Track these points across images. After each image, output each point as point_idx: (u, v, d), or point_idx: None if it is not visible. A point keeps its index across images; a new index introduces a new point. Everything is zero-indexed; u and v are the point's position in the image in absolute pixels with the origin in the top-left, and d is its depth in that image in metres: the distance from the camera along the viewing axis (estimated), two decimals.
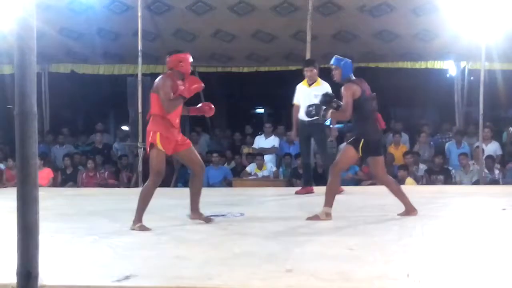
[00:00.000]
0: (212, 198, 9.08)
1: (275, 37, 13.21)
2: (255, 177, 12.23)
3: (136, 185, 11.71)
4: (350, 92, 6.71)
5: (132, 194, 10.33)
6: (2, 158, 13.53)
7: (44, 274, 3.27)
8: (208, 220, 6.59)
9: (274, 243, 5.31)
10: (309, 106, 7.06)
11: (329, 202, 6.68)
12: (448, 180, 11.77)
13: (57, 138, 14.90)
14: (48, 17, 11.36)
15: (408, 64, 14.62)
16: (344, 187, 9.12)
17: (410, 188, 10.65)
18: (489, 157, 11.95)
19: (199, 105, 6.88)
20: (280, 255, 4.76)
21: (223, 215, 7.17)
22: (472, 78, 14.39)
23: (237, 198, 8.97)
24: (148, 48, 12.41)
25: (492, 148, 12.55)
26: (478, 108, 11.62)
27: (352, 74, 6.94)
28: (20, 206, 3.05)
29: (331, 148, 13.43)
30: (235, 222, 6.70)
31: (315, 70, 9.50)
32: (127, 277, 4.02)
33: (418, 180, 11.67)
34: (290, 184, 11.99)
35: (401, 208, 6.86)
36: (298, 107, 9.51)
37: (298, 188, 9.80)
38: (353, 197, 8.70)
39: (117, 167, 13.54)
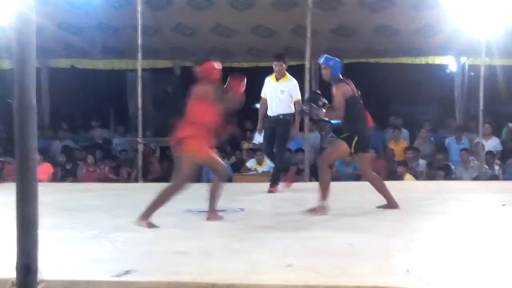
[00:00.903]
0: None
1: (275, 32, 13.19)
2: (255, 172, 12.21)
3: (136, 180, 11.69)
4: (341, 92, 6.79)
5: (132, 189, 10.39)
6: (2, 153, 13.52)
7: (44, 269, 3.26)
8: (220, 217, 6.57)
9: (274, 238, 5.32)
10: (305, 104, 7.06)
11: (323, 196, 6.74)
12: (448, 176, 11.76)
13: (57, 133, 14.90)
14: (47, 11, 11.32)
15: (408, 60, 14.63)
16: (344, 183, 9.11)
17: (409, 184, 10.69)
18: (489, 152, 11.94)
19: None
20: (280, 250, 4.76)
21: (223, 210, 7.15)
22: (472, 73, 14.39)
23: (237, 194, 8.95)
24: (148, 43, 12.39)
25: (492, 143, 12.54)
26: (478, 103, 11.61)
27: (340, 74, 6.98)
28: (20, 200, 3.04)
29: (329, 142, 13.47)
30: (235, 217, 6.70)
31: (284, 65, 9.34)
32: (126, 272, 4.02)
33: (418, 176, 11.66)
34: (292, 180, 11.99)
35: (401, 203, 6.88)
36: (265, 101, 9.40)
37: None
38: (352, 192, 8.69)
39: (117, 162, 13.54)
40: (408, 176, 11.30)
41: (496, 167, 11.96)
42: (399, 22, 12.48)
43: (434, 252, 4.64)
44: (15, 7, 3.11)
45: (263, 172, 12.22)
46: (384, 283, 3.74)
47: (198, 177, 12.81)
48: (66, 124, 15.48)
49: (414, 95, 17.07)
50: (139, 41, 11.57)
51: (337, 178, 10.34)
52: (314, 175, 9.95)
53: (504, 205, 7.39)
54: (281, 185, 9.32)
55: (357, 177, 11.74)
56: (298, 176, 11.58)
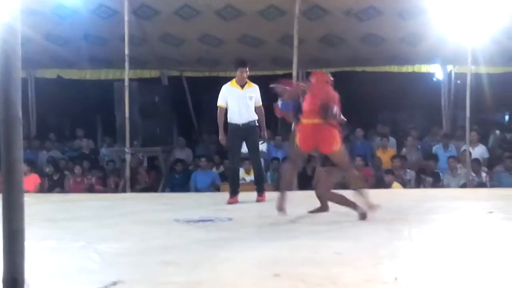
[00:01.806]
0: (200, 203, 9.09)
1: (262, 41, 13.22)
2: (243, 181, 12.19)
3: (123, 190, 11.66)
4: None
5: (120, 200, 10.36)
6: None
7: (31, 281, 3.25)
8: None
9: (262, 248, 5.31)
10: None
11: (353, 205, 6.91)
12: (436, 183, 11.81)
13: (44, 144, 14.85)
14: (34, 22, 11.31)
15: (395, 68, 14.69)
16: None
17: (397, 192, 10.72)
18: (475, 160, 11.99)
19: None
20: (268, 260, 4.75)
21: (211, 220, 7.15)
22: (458, 81, 14.47)
23: (225, 203, 8.95)
24: (135, 53, 12.39)
25: (479, 151, 12.61)
26: (465, 111, 11.67)
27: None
28: (5, 212, 3.03)
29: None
30: (223, 227, 6.69)
31: (247, 72, 9.32)
32: (114, 283, 3.99)
33: (405, 184, 11.70)
34: (277, 188, 11.98)
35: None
36: (223, 110, 9.22)
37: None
38: None
39: (104, 172, 13.50)
40: (395, 184, 11.33)
41: (483, 175, 12.01)
42: (385, 30, 12.53)
43: (422, 260, 4.65)
44: (1, 17, 3.10)
45: (251, 181, 12.20)
46: None
47: (186, 187, 12.86)
48: (53, 135, 15.44)
49: (401, 103, 17.16)
50: (126, 51, 11.56)
51: None
52: (302, 183, 9.93)
53: (491, 212, 7.42)
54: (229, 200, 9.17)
55: (344, 186, 11.75)
56: None
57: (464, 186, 11.52)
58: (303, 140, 6.86)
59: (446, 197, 9.43)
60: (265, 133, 9.72)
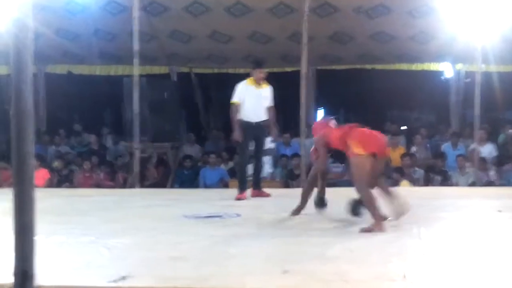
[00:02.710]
0: (209, 199, 9.09)
1: (272, 38, 13.22)
2: (251, 178, 12.21)
3: (132, 186, 11.68)
4: None
5: (129, 195, 10.38)
6: None
7: (41, 275, 3.26)
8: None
9: (271, 244, 5.32)
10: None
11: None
12: (445, 181, 11.78)
13: (53, 139, 14.89)
14: (45, 17, 11.35)
15: (404, 66, 14.67)
16: (341, 188, 9.10)
17: (406, 190, 10.68)
18: (482, 159, 11.96)
19: None
20: (277, 256, 4.76)
21: (219, 216, 7.16)
22: (468, 80, 14.43)
23: (233, 199, 8.96)
24: (144, 49, 12.40)
25: (487, 149, 12.58)
26: (474, 110, 11.64)
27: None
28: (17, 206, 3.05)
29: None
30: (232, 223, 6.69)
31: (265, 72, 9.37)
32: (123, 278, 4.01)
33: (414, 182, 11.67)
34: (286, 185, 12.00)
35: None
36: (238, 107, 9.20)
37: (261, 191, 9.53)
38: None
39: (113, 168, 13.52)
40: (404, 182, 11.30)
41: (492, 173, 11.97)
42: (395, 28, 12.52)
43: (431, 258, 4.64)
44: (13, 13, 3.12)
45: (261, 177, 12.22)
46: None
47: (194, 183, 12.88)
48: (63, 130, 15.47)
49: (410, 101, 17.13)
50: (136, 47, 11.58)
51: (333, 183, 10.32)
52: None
53: (500, 211, 7.40)
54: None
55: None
56: (294, 181, 11.62)
57: (473, 184, 11.49)
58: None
59: (455, 196, 9.40)
60: (277, 132, 9.81)
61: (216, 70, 15.55)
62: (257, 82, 9.27)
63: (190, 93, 15.58)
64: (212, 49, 13.95)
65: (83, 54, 14.29)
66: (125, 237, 5.73)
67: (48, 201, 8.52)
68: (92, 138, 14.93)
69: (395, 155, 12.56)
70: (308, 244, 5.27)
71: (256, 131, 9.27)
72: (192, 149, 14.39)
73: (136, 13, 11.49)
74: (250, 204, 8.50)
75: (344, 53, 13.77)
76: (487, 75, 13.17)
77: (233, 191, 9.50)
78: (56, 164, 13.48)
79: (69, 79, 15.82)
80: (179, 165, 13.40)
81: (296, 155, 12.36)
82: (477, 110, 11.53)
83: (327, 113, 14.27)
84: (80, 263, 4.57)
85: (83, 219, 7.12)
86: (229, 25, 12.73)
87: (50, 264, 4.32)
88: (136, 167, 11.54)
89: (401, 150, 12.91)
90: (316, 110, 15.48)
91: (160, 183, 12.78)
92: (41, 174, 12.13)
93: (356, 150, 6.14)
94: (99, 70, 15.38)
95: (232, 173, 12.95)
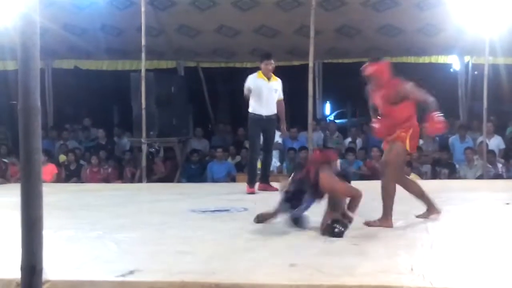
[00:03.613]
0: (216, 193, 9.11)
1: (279, 32, 13.20)
2: (258, 172, 12.21)
3: (140, 180, 11.71)
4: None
5: (136, 190, 10.41)
6: (6, 154, 13.54)
7: (49, 269, 3.27)
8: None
9: (278, 238, 5.32)
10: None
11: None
12: (452, 174, 11.76)
13: (61, 134, 14.92)
14: (52, 13, 11.37)
15: (412, 59, 14.62)
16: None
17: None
18: (490, 151, 11.93)
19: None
20: (284, 250, 4.77)
21: (226, 210, 7.18)
22: (476, 72, 14.37)
23: (241, 193, 8.97)
24: (152, 43, 12.41)
25: (495, 142, 12.54)
26: (482, 102, 11.61)
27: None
28: (24, 200, 3.05)
29: (337, 143, 13.47)
30: (239, 217, 6.71)
31: (273, 64, 9.31)
32: (131, 272, 4.02)
33: (422, 175, 11.66)
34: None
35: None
36: (249, 94, 9.22)
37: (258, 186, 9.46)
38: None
39: (121, 162, 13.55)
40: (412, 175, 11.27)
41: (500, 166, 11.95)
42: (402, 21, 12.48)
43: (438, 251, 4.64)
44: (19, 8, 3.12)
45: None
46: (388, 282, 3.75)
47: (202, 177, 12.88)
48: (70, 125, 15.50)
49: None
50: (143, 42, 11.59)
51: None
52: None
53: (508, 204, 7.38)
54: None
55: (360, 177, 11.74)
56: None
57: (480, 177, 11.47)
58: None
59: (463, 188, 9.39)
60: (286, 126, 9.90)
61: (223, 64, 15.54)
62: (266, 75, 9.26)
63: (197, 88, 15.57)
64: (219, 43, 13.93)
65: (90, 49, 14.28)
66: (132, 231, 5.75)
67: (56, 196, 8.56)
68: (99, 133, 14.95)
69: None
70: (315, 238, 5.27)
71: (266, 124, 9.28)
72: (199, 143, 14.40)
73: (143, 7, 11.49)
74: (258, 198, 8.50)
75: (351, 47, 13.72)
76: (495, 68, 13.12)
77: (241, 185, 9.51)
78: (64, 158, 13.50)
79: (76, 74, 15.84)
80: (186, 160, 13.41)
81: (303, 147, 12.35)
82: (485, 103, 11.50)
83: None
84: (88, 257, 4.59)
85: (91, 214, 7.14)
86: (236, 19, 12.72)
87: (58, 258, 4.34)
88: (144, 161, 11.57)
89: None
90: (323, 103, 15.44)
91: (167, 178, 12.80)
92: (49, 169, 12.18)
93: (404, 141, 6.08)
94: (106, 65, 15.38)
95: (239, 167, 12.95)
